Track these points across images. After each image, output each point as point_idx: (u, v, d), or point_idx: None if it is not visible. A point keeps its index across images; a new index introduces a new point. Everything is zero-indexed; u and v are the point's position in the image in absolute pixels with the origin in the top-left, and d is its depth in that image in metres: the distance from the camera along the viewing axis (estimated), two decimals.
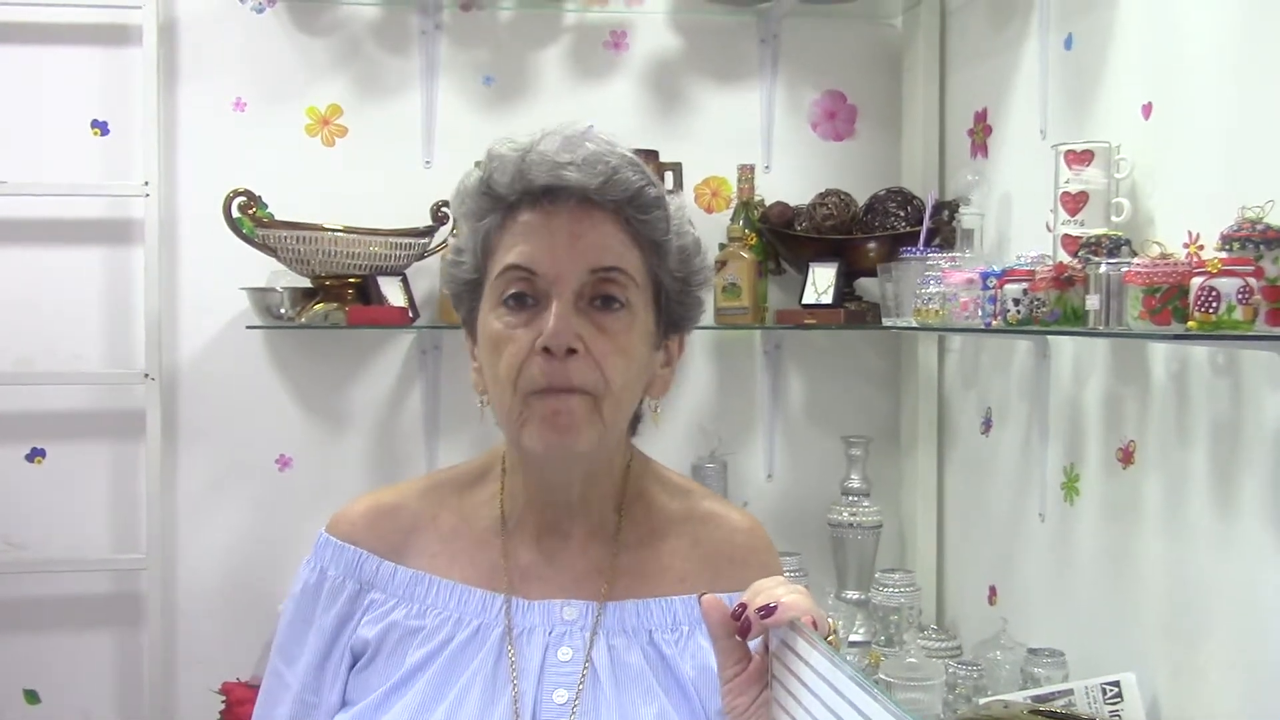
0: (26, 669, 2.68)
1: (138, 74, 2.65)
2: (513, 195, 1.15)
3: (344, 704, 1.22)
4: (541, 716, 1.16)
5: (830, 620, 1.06)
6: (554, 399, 1.12)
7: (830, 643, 0.96)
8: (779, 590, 1.00)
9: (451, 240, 1.23)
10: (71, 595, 2.69)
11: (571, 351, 1.11)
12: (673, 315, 1.22)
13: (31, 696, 2.69)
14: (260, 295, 2.61)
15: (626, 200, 1.14)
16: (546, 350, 1.11)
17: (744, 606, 1.00)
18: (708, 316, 2.66)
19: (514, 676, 1.17)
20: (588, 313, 1.13)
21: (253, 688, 2.38)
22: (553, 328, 1.10)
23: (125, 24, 2.65)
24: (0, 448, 2.67)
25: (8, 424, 2.67)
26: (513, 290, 1.14)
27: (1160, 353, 1.91)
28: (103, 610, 2.70)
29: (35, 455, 2.68)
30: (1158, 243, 1.73)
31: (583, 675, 1.17)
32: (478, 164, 1.19)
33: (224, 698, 2.45)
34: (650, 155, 2.62)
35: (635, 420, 1.26)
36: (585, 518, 1.24)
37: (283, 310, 2.59)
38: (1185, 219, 1.81)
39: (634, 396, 1.20)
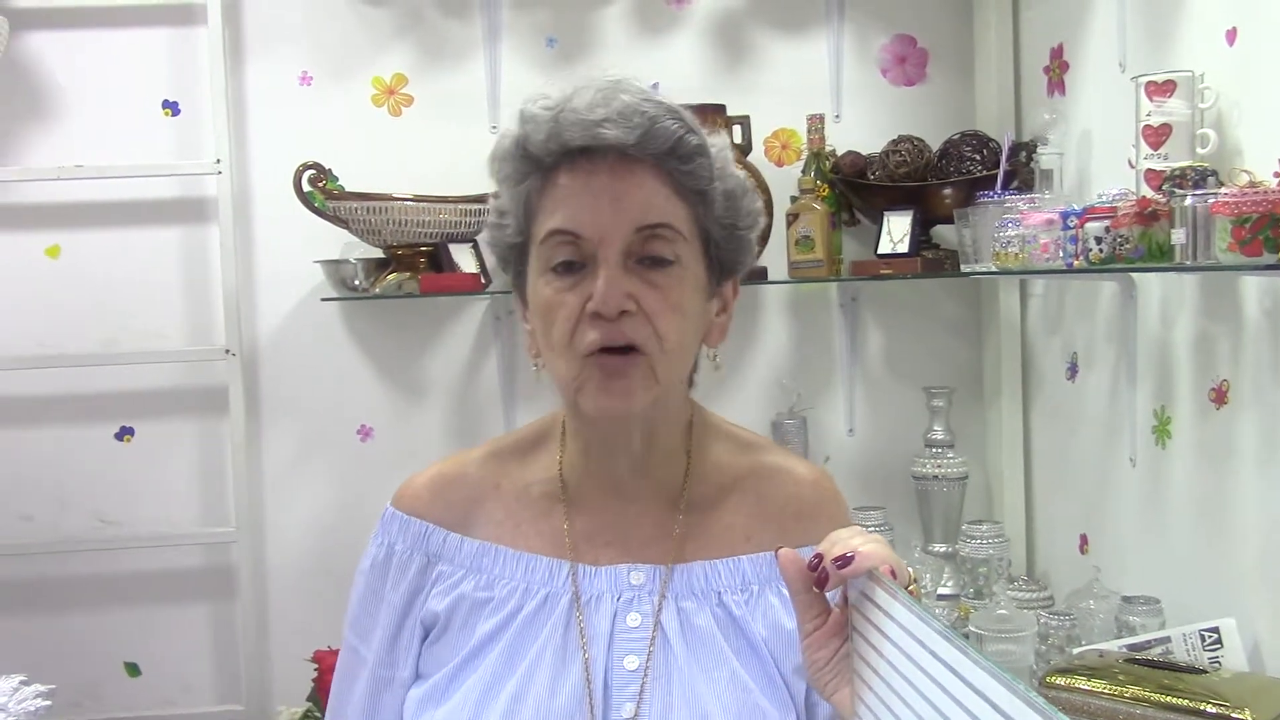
0: (126, 642, 2.75)
1: (204, 53, 2.67)
2: (549, 157, 1.12)
3: (418, 677, 1.23)
4: (613, 683, 1.15)
5: (911, 570, 1.03)
6: (610, 360, 1.10)
7: (911, 592, 0.93)
8: (855, 540, 0.97)
9: (493, 202, 1.20)
10: (165, 570, 2.74)
11: (624, 313, 1.09)
12: (723, 261, 1.19)
13: (133, 669, 2.76)
14: (334, 267, 2.62)
15: (667, 152, 1.11)
16: (598, 314, 1.09)
17: (820, 557, 0.98)
18: (781, 271, 2.65)
19: (584, 644, 1.16)
20: (637, 271, 1.11)
21: None
22: (602, 292, 1.08)
23: (190, 3, 2.67)
24: (91, 428, 2.73)
25: (97, 404, 2.73)
26: (560, 257, 1.12)
27: (1253, 287, 1.84)
28: (196, 583, 2.76)
29: (124, 434, 2.74)
30: (1246, 171, 1.67)
31: (652, 640, 1.16)
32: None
33: (316, 665, 2.48)
34: (717, 109, 2.58)
35: (691, 373, 1.23)
36: (648, 480, 1.22)
37: (357, 281, 2.61)
38: (1275, 148, 1.73)
39: (690, 352, 1.18)
